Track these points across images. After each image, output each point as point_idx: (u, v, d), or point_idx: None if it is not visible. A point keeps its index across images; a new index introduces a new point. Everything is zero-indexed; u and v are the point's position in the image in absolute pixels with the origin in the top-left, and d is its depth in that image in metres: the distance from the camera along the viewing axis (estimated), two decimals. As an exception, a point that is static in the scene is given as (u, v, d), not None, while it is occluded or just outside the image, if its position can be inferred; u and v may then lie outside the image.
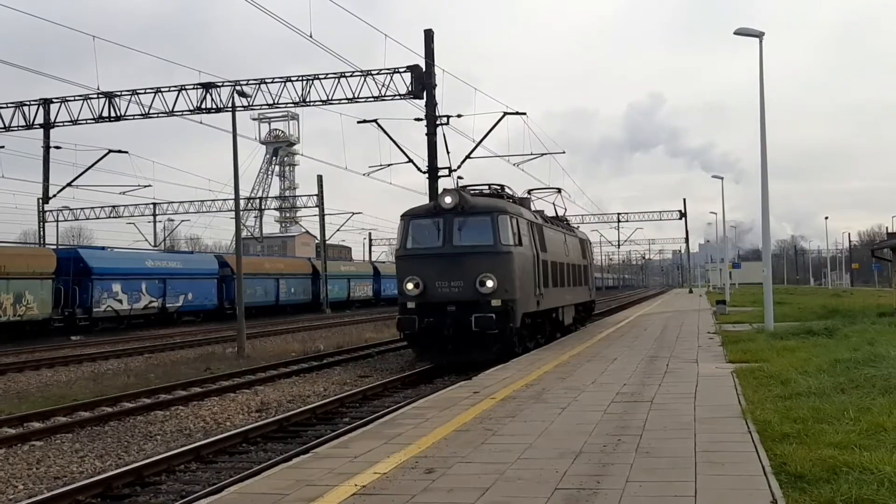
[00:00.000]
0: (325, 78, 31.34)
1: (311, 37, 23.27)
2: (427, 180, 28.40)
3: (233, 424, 12.01)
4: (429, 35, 28.19)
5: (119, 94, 33.18)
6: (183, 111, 32.33)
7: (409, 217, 17.60)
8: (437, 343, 16.66)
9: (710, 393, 10.33)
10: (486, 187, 19.54)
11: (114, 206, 56.11)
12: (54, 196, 39.14)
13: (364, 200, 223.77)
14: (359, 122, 28.79)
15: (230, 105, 28.96)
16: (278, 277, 49.91)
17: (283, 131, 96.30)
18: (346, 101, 31.18)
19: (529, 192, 23.71)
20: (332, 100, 31.26)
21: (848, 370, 10.79)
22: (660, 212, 77.99)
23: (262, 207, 65.17)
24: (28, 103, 34.41)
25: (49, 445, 10.68)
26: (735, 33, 20.64)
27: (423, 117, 28.36)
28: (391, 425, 8.78)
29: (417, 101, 29.04)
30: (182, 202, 56.30)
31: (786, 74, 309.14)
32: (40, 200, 42.54)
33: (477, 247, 16.64)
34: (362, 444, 7.73)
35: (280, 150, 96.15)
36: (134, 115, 33.03)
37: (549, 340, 20.10)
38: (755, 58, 20.93)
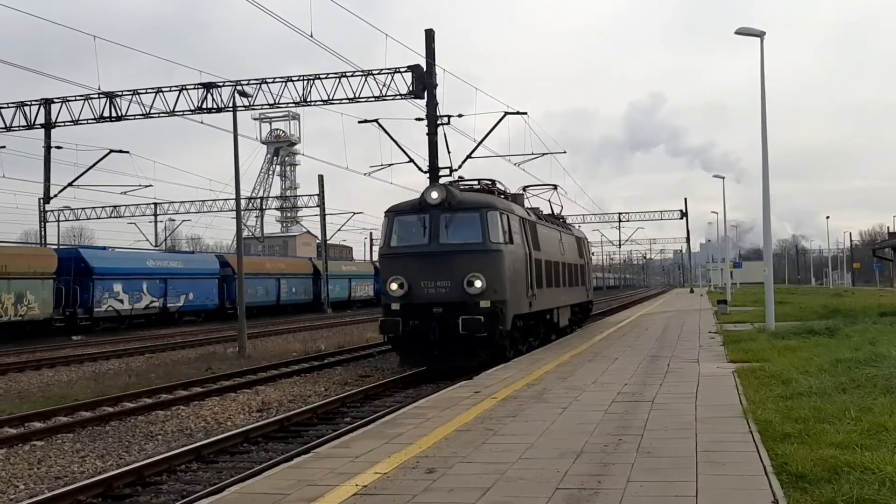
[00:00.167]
0: (325, 78, 31.35)
1: (311, 36, 23.31)
2: (428, 180, 28.34)
3: (234, 424, 12.01)
4: (429, 35, 28.18)
5: (120, 94, 33.17)
6: (184, 111, 32.34)
7: (393, 213, 16.66)
8: (423, 347, 15.66)
9: (711, 393, 10.32)
10: (477, 182, 18.75)
11: (115, 206, 56.08)
12: (55, 196, 39.22)
13: (365, 200, 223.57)
14: (360, 122, 28.68)
15: (231, 105, 29.00)
16: (279, 277, 49.92)
17: (284, 131, 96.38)
18: (347, 100, 31.18)
19: (524, 188, 23.32)
20: (332, 100, 31.26)
21: (849, 370, 10.77)
22: (661, 211, 78.20)
23: (264, 207, 65.20)
24: (29, 103, 34.40)
25: (50, 445, 10.69)
26: (736, 33, 20.61)
27: (423, 117, 28.32)
28: (392, 425, 8.78)
29: (418, 100, 29.03)
30: (183, 202, 56.31)
31: (786, 74, 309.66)
32: (41, 200, 42.60)
33: (465, 245, 15.82)
34: (363, 444, 7.73)
35: (281, 149, 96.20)
36: (135, 115, 33.05)
37: (542, 343, 19.38)
38: (755, 58, 20.98)
